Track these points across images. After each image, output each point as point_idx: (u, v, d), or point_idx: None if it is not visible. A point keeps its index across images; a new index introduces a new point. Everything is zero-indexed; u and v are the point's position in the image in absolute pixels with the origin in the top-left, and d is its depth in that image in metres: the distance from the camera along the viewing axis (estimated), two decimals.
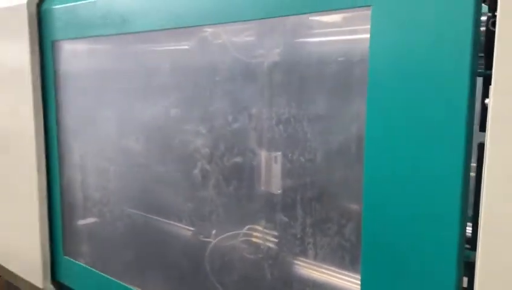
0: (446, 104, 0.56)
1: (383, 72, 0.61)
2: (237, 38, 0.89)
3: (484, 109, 0.56)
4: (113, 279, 1.11)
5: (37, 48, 1.21)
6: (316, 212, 0.80)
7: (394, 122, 0.60)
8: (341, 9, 0.65)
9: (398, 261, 0.62)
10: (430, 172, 0.57)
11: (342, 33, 0.75)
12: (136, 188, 1.10)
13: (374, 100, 0.62)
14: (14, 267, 1.42)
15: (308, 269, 0.84)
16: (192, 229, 1.00)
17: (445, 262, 0.57)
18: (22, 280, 1.39)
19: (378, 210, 0.63)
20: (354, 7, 0.64)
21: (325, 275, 0.83)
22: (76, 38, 1.13)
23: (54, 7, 1.16)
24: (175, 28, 0.91)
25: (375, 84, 0.61)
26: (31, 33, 1.19)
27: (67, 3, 1.12)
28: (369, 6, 0.62)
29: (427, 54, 0.57)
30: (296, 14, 0.69)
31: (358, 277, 0.67)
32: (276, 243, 0.88)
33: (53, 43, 1.19)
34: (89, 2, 1.06)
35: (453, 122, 0.55)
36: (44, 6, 1.19)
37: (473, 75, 0.54)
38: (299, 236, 0.82)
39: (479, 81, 0.56)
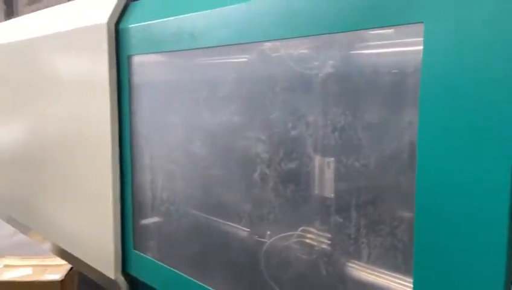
0: (498, 111, 0.59)
1: (436, 83, 0.65)
2: (294, 51, 0.97)
3: None
4: (178, 272, 1.22)
5: (114, 62, 1.35)
6: (368, 215, 0.85)
7: (446, 129, 0.65)
8: (394, 25, 0.71)
9: (449, 266, 0.66)
10: (481, 176, 0.61)
11: (394, 45, 0.80)
12: (200, 190, 1.20)
13: (426, 109, 0.66)
14: (88, 259, 1.56)
15: (360, 270, 0.89)
16: (248, 229, 1.08)
17: (494, 267, 0.61)
18: (95, 271, 1.53)
19: (430, 215, 0.67)
20: (407, 24, 0.69)
21: (376, 277, 0.86)
22: (149, 53, 1.26)
23: (130, 26, 1.29)
24: (238, 44, 1.00)
25: (427, 94, 0.66)
26: (109, 49, 1.34)
27: (142, 22, 1.25)
28: (421, 22, 0.67)
29: (479, 64, 0.61)
30: (351, 31, 0.76)
31: (410, 279, 0.71)
32: (328, 244, 0.93)
33: (128, 58, 1.32)
34: (162, 21, 1.18)
35: (505, 130, 0.59)
36: (122, 25, 1.33)
37: None
38: (351, 238, 0.87)
39: None
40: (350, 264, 0.89)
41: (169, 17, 1.16)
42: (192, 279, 1.17)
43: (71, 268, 2.62)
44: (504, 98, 0.58)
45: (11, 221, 2.24)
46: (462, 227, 0.64)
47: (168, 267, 1.25)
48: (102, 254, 1.46)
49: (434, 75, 0.65)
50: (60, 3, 1.80)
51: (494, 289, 0.61)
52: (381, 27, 0.71)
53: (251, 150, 1.02)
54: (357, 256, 0.86)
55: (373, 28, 0.73)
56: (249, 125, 1.03)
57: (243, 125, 1.04)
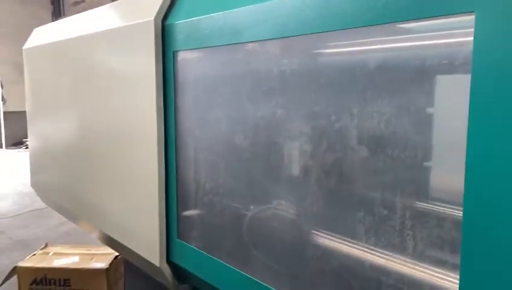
0: None
1: (486, 74, 0.64)
2: (338, 44, 0.97)
3: None
4: (220, 261, 1.25)
5: (160, 57, 1.40)
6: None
7: (496, 123, 0.64)
8: (444, 15, 0.70)
9: (496, 264, 0.64)
10: None
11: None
12: (242, 182, 1.23)
13: (476, 102, 0.65)
14: (134, 247, 1.63)
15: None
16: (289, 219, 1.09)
17: None
18: (141, 258, 1.59)
19: (478, 210, 0.66)
20: (457, 13, 0.68)
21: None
22: (194, 48, 1.29)
23: (176, 22, 1.33)
24: (281, 38, 1.02)
25: (477, 86, 0.65)
26: (156, 45, 1.39)
27: (188, 18, 1.29)
28: (472, 12, 0.66)
29: None
30: (401, 21, 0.75)
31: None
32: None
33: (174, 53, 1.36)
34: (207, 17, 1.21)
35: None
36: (168, 21, 1.37)
37: None
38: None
39: None
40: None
41: (214, 12, 1.19)
42: (234, 268, 1.20)
43: (116, 257, 2.72)
44: None
45: (61, 210, 2.36)
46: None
47: (211, 256, 1.29)
48: (147, 243, 1.52)
49: (485, 66, 0.64)
50: (104, 3, 1.88)
51: None
52: (432, 17, 0.71)
53: (289, 142, 1.03)
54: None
55: (423, 18, 0.72)
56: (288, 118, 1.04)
57: (283, 118, 1.06)
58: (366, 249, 0.90)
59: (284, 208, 1.09)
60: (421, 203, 0.83)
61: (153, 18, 1.37)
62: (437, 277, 0.82)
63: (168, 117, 1.42)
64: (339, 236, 0.96)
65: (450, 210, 0.78)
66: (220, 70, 1.26)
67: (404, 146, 0.82)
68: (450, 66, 0.73)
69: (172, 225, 1.45)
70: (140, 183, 1.54)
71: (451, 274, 0.78)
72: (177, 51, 1.35)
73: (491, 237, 0.65)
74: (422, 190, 0.83)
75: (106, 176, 1.78)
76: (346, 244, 0.95)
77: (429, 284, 0.82)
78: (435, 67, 0.75)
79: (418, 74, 0.79)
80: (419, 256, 0.82)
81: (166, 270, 1.47)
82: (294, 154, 1.03)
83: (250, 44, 1.11)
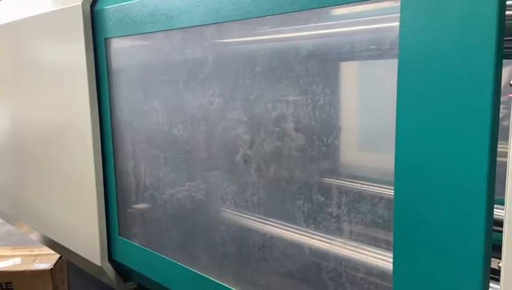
0: (472, 88, 0.58)
1: (412, 60, 0.64)
2: (271, 30, 0.94)
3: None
4: (164, 257, 1.21)
5: (91, 45, 1.31)
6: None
7: (423, 107, 0.63)
8: (370, 1, 0.68)
9: (427, 243, 0.65)
10: (457, 154, 0.60)
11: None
12: (183, 175, 1.18)
13: (404, 88, 0.65)
14: (74, 247, 1.55)
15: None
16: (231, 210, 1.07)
17: (473, 242, 0.60)
18: (82, 259, 1.52)
19: (408, 189, 0.66)
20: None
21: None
22: (127, 35, 1.22)
23: (105, 7, 1.25)
24: (215, 24, 0.98)
25: (404, 72, 0.64)
26: (85, 32, 1.30)
27: (117, 3, 1.21)
28: None
29: (453, 40, 0.59)
30: (329, 6, 0.73)
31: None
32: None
33: (106, 41, 1.28)
34: (137, 2, 1.14)
35: (479, 105, 0.57)
36: (97, 6, 1.28)
37: (499, 58, 0.56)
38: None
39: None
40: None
41: None
42: (178, 263, 1.16)
43: (60, 257, 2.61)
44: (481, 71, 0.57)
45: None
46: (439, 204, 0.63)
47: (154, 252, 1.25)
48: (88, 242, 1.45)
49: (410, 51, 0.63)
50: None
51: (473, 263, 0.60)
52: (360, 1, 0.69)
53: (232, 132, 1.00)
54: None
55: (352, 2, 0.71)
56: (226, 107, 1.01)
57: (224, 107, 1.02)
58: (330, 241, 0.88)
59: (229, 200, 1.06)
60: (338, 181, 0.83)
61: (80, 3, 1.28)
62: (373, 257, 0.82)
63: (103, 109, 1.35)
64: (290, 226, 0.95)
65: (383, 190, 0.79)
66: (154, 58, 1.20)
67: (331, 131, 0.81)
68: (377, 52, 0.72)
69: (113, 222, 1.39)
70: (77, 180, 1.46)
71: (386, 254, 0.79)
72: (108, 38, 1.28)
73: (421, 215, 0.65)
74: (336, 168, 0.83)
75: (42, 174, 1.67)
76: (296, 233, 0.94)
77: (365, 264, 0.82)
78: (363, 53, 0.74)
79: (347, 60, 0.78)
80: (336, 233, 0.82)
81: (109, 269, 1.41)
82: (233, 143, 1.00)
83: (183, 30, 1.06)
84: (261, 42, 0.96)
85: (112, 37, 1.27)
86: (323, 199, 0.84)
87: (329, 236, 0.85)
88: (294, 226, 0.90)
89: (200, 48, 1.06)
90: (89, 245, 1.44)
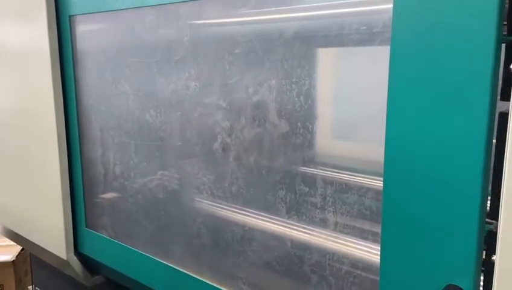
0: (470, 71, 0.55)
1: (406, 40, 0.60)
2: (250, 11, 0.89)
3: (507, 77, 0.55)
4: (134, 249, 1.15)
5: (54, 23, 1.22)
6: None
7: (416, 90, 0.60)
8: None
9: (418, 233, 0.62)
10: (452, 140, 0.57)
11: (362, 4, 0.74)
12: (156, 162, 1.12)
13: (396, 67, 0.61)
14: (38, 240, 1.46)
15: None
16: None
17: (466, 233, 0.58)
18: (46, 252, 1.44)
19: (398, 179, 0.63)
20: None
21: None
22: (93, 12, 1.13)
23: None
24: (188, 1, 0.91)
25: (397, 51, 0.61)
26: (48, 8, 1.20)
27: None
28: None
29: (451, 22, 0.56)
30: None
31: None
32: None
33: (70, 18, 1.19)
34: None
35: (477, 90, 0.55)
36: None
37: (498, 42, 0.53)
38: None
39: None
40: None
41: None
42: (150, 256, 1.11)
43: (23, 248, 2.49)
44: (480, 54, 0.54)
45: None
46: (432, 192, 0.60)
47: (124, 245, 1.18)
48: (52, 234, 1.36)
49: (405, 32, 0.60)
50: None
51: (466, 256, 0.58)
52: None
53: (210, 119, 0.94)
54: None
55: None
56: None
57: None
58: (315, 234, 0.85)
59: (206, 190, 1.01)
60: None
61: None
62: (360, 249, 0.80)
63: (67, 92, 1.26)
64: (271, 217, 0.90)
65: (372, 181, 0.76)
66: (124, 39, 1.12)
67: (316, 118, 0.77)
68: (369, 35, 0.68)
69: (80, 213, 1.31)
70: (40, 168, 1.37)
71: (373, 246, 0.76)
72: (73, 16, 1.18)
73: (411, 206, 0.62)
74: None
75: (1, 162, 1.56)
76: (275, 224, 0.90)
77: (352, 257, 0.79)
78: (354, 36, 0.70)
79: (337, 43, 0.74)
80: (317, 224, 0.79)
81: (75, 262, 1.34)
82: (211, 130, 0.95)
83: (155, 8, 0.98)
84: (241, 24, 0.90)
85: (77, 15, 1.18)
86: (306, 189, 0.80)
87: (312, 228, 0.81)
88: (276, 217, 0.86)
89: (175, 28, 0.99)
90: (54, 237, 1.36)
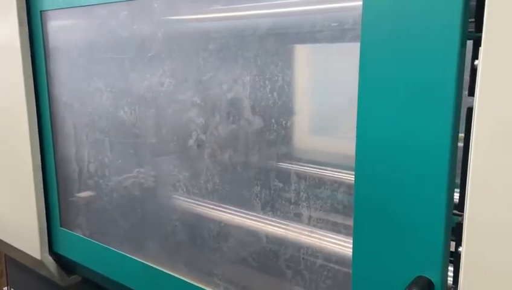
0: (436, 68, 0.56)
1: (375, 37, 0.61)
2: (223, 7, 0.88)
3: (473, 73, 0.57)
4: (110, 247, 1.14)
5: (25, 18, 1.19)
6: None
7: (385, 86, 0.61)
8: None
9: (387, 224, 0.64)
10: (420, 135, 0.59)
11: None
12: (131, 159, 1.11)
13: (366, 63, 0.62)
14: (11, 240, 1.43)
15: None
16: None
17: (434, 225, 0.59)
18: (21, 252, 1.41)
19: (369, 173, 0.64)
20: None
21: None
22: (64, 7, 1.11)
23: None
24: None
25: (367, 47, 0.61)
26: (18, 3, 1.17)
27: None
28: None
29: (418, 19, 0.57)
30: None
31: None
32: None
33: (41, 14, 1.17)
34: None
35: (443, 86, 0.56)
36: None
37: (463, 38, 0.55)
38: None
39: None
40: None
41: None
42: (126, 254, 1.10)
43: None
44: (445, 51, 0.55)
45: None
46: (401, 187, 0.61)
47: (100, 243, 1.17)
48: (26, 234, 1.34)
49: (373, 29, 0.61)
50: None
51: (434, 247, 0.60)
52: None
53: (184, 115, 0.94)
54: None
55: None
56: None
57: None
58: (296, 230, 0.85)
59: (181, 187, 1.01)
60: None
61: None
62: (333, 243, 0.81)
63: (40, 89, 1.23)
64: (246, 212, 0.90)
65: (343, 175, 0.77)
66: (96, 34, 1.10)
67: (291, 114, 0.78)
68: (340, 32, 0.68)
69: (54, 212, 1.29)
70: (12, 167, 1.34)
71: (346, 239, 0.77)
72: (44, 11, 1.16)
73: (381, 199, 0.64)
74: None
75: None
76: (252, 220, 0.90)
77: (326, 251, 0.80)
78: (326, 33, 0.70)
79: (309, 39, 0.74)
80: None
81: (50, 262, 1.32)
82: (186, 127, 0.94)
83: (129, 3, 0.97)
84: (215, 20, 0.90)
85: (48, 10, 1.15)
86: (281, 184, 0.81)
87: (287, 222, 0.82)
88: (251, 213, 0.87)
89: (148, 24, 0.98)
90: (28, 237, 1.33)
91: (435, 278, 0.60)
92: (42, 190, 1.27)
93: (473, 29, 0.58)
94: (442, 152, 0.57)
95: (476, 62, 0.53)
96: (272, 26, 0.78)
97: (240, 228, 0.90)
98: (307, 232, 0.81)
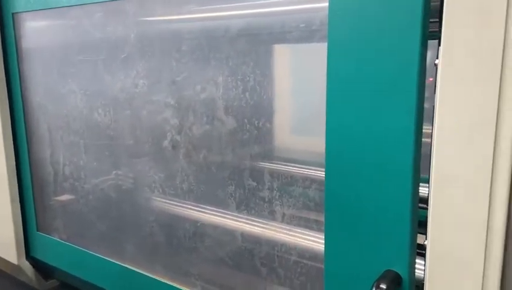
0: (399, 66, 0.58)
1: (341, 37, 0.62)
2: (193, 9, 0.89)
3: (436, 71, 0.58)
4: (87, 251, 1.13)
5: None
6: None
7: (351, 84, 0.62)
8: None
9: (356, 220, 0.65)
10: (384, 131, 0.60)
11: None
12: (106, 161, 1.10)
13: (333, 62, 0.63)
14: None
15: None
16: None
17: (400, 219, 0.61)
18: None
19: (338, 169, 0.65)
20: None
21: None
22: (37, 9, 1.10)
23: None
24: None
25: (333, 49, 0.63)
26: None
27: None
28: None
29: (381, 19, 0.58)
30: None
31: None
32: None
33: (13, 16, 1.15)
34: None
35: (406, 83, 0.57)
36: None
37: (424, 38, 0.56)
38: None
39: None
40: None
41: None
42: (103, 257, 1.09)
43: None
44: (407, 50, 0.57)
45: None
46: (368, 182, 0.63)
47: (77, 247, 1.16)
48: (2, 239, 1.32)
49: (338, 28, 0.62)
50: None
51: (401, 240, 0.61)
52: None
53: (158, 116, 0.94)
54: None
55: None
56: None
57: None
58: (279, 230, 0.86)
59: (157, 188, 1.00)
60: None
61: None
62: (306, 239, 0.81)
63: (13, 91, 1.22)
64: (222, 212, 0.91)
65: (316, 172, 0.78)
66: (69, 36, 1.09)
67: (264, 114, 0.79)
68: (308, 32, 0.70)
69: (30, 216, 1.27)
70: None
71: (318, 235, 0.78)
72: (16, 13, 1.14)
73: (349, 196, 0.65)
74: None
75: None
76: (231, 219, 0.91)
77: (298, 247, 0.81)
78: (295, 33, 0.71)
79: (279, 40, 0.75)
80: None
81: (27, 267, 1.30)
82: (160, 128, 0.95)
83: (102, 5, 0.97)
84: (187, 21, 0.90)
85: (20, 12, 1.14)
86: (255, 183, 0.82)
87: (261, 220, 0.83)
88: (227, 212, 0.87)
89: (121, 25, 0.97)
90: (4, 242, 1.31)
91: (402, 272, 0.62)
92: (17, 194, 1.25)
93: (437, 29, 0.60)
94: (406, 148, 0.59)
95: (436, 61, 0.55)
96: (244, 27, 0.79)
97: (215, 227, 0.90)
98: (281, 230, 0.82)
